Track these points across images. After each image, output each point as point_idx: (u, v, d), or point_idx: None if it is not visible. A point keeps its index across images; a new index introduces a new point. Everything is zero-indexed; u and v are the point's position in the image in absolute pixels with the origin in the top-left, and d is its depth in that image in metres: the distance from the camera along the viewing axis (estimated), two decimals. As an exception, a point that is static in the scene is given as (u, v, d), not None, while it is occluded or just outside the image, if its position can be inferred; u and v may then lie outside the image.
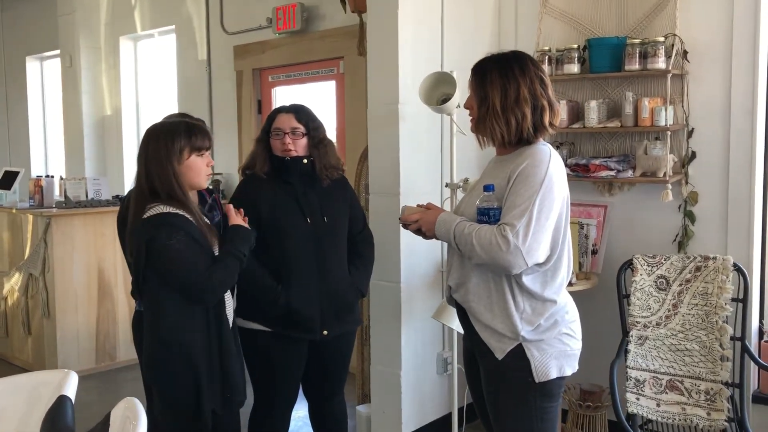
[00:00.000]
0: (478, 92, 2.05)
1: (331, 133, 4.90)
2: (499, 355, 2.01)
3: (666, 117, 3.13)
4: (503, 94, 2.00)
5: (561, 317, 2.02)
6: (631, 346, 3.07)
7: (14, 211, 4.92)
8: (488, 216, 1.96)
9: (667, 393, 3.01)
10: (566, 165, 3.44)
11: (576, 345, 2.06)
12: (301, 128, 2.69)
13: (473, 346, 2.12)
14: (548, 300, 1.99)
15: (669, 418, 2.94)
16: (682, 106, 3.24)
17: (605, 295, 3.35)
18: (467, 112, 2.15)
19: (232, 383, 2.23)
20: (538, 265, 1.96)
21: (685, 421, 2.93)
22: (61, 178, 4.96)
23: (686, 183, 3.26)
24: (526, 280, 1.96)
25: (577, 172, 3.38)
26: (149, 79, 6.54)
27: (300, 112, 2.75)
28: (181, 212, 2.15)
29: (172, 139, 2.19)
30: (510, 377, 2.01)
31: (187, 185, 2.24)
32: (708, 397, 2.95)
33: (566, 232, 2.03)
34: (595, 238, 3.43)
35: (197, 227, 2.17)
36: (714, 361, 2.97)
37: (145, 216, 2.14)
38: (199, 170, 2.24)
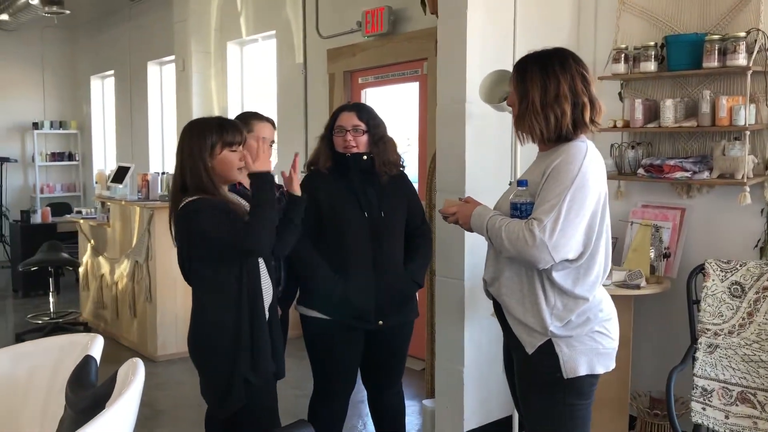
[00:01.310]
0: (519, 89, 2.07)
1: (414, 133, 5.00)
2: (530, 350, 2.02)
3: (746, 116, 2.99)
4: (543, 91, 2.01)
5: (594, 315, 2.01)
6: (699, 354, 2.95)
7: (124, 203, 5.36)
8: (520, 211, 1.98)
9: (737, 405, 2.87)
10: (640, 165, 3.36)
11: (610, 344, 2.04)
12: (362, 126, 2.80)
13: (508, 341, 2.14)
14: (580, 297, 1.98)
15: None
16: (766, 105, 3.07)
17: (678, 301, 3.23)
18: None
19: (261, 350, 2.32)
20: (570, 261, 1.95)
21: (756, 435, 2.79)
22: (163, 173, 5.34)
23: (769, 186, 3.09)
24: (557, 276, 1.96)
25: (651, 173, 3.28)
26: (253, 82, 6.89)
27: (362, 110, 2.87)
28: (209, 198, 2.27)
29: (203, 135, 2.31)
30: (539, 372, 2.02)
31: (221, 179, 2.36)
32: (783, 412, 2.79)
33: (602, 229, 2.01)
34: (669, 241, 3.31)
35: (227, 205, 2.28)
36: (791, 375, 2.81)
37: (179, 208, 2.30)
38: (231, 164, 2.34)
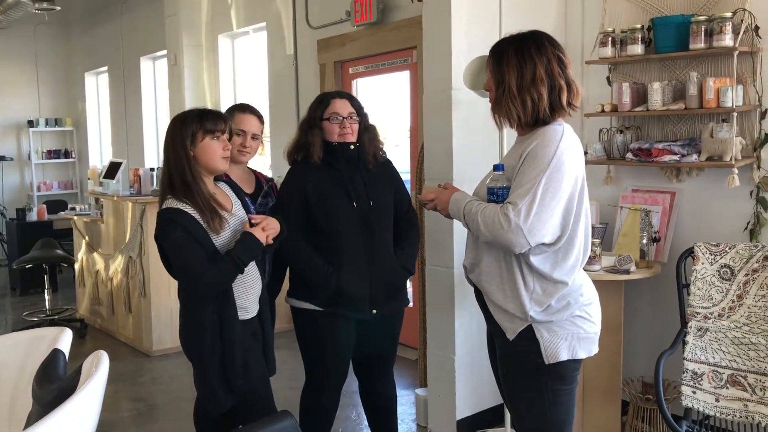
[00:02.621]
0: (495, 73, 2.05)
1: (406, 123, 4.97)
2: (511, 336, 2.01)
3: (733, 98, 2.96)
4: (519, 74, 1.99)
5: (574, 299, 1.99)
6: (690, 338, 2.93)
7: (116, 198, 5.35)
8: (496, 195, 1.96)
9: (728, 388, 2.86)
10: (629, 149, 3.34)
11: (591, 328, 2.02)
12: (355, 113, 2.78)
13: (490, 327, 2.13)
14: (559, 281, 1.96)
15: (729, 415, 2.79)
16: (754, 86, 3.05)
17: (669, 285, 3.22)
18: None
19: (231, 363, 2.31)
20: (547, 245, 1.94)
21: (747, 418, 2.77)
22: (152, 169, 5.33)
23: (758, 167, 3.07)
24: (535, 260, 1.95)
25: (639, 157, 3.26)
26: (245, 75, 6.87)
27: (353, 98, 2.85)
28: (185, 208, 2.25)
29: (184, 125, 2.31)
30: (521, 358, 2.01)
31: (204, 169, 2.34)
32: (773, 394, 2.77)
33: (581, 212, 1.99)
34: (659, 225, 3.29)
35: (200, 222, 2.26)
36: (782, 357, 2.79)
37: (160, 208, 2.30)
38: (214, 153, 2.32)
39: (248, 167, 2.98)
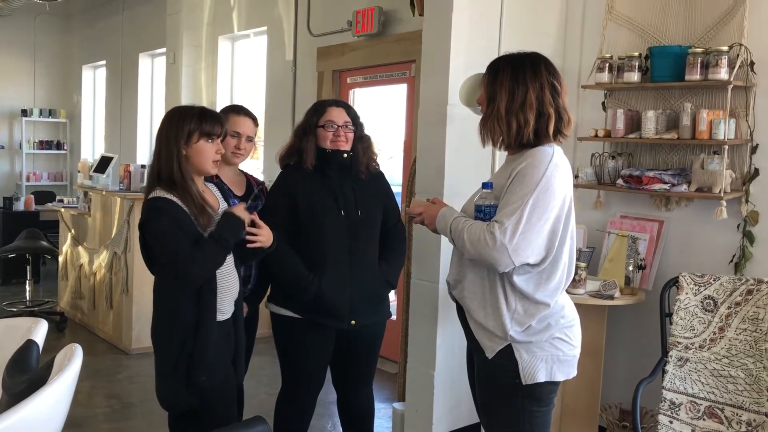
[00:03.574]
0: (488, 90, 2.06)
1: (400, 134, 4.98)
2: (489, 354, 2.00)
3: (725, 130, 2.98)
4: (510, 96, 1.99)
5: (555, 321, 1.99)
6: (669, 367, 2.93)
7: (105, 193, 5.32)
8: (484, 213, 1.96)
9: (704, 420, 2.86)
10: (620, 176, 3.35)
11: (571, 351, 2.02)
12: (350, 123, 2.78)
13: (470, 344, 2.12)
14: (541, 302, 1.96)
15: (704, 446, 2.79)
16: (747, 120, 3.07)
17: (651, 313, 3.22)
18: None
19: (197, 360, 2.28)
20: (531, 266, 1.93)
21: (722, 451, 2.77)
22: (143, 166, 5.30)
23: (746, 201, 3.09)
24: (518, 280, 1.94)
25: (630, 184, 3.27)
26: (243, 78, 6.86)
27: (349, 107, 2.86)
28: (173, 198, 2.23)
29: (182, 121, 2.28)
30: (498, 377, 2.00)
31: (194, 169, 2.32)
32: (749, 428, 2.77)
33: (567, 235, 1.99)
34: (646, 252, 3.30)
35: (188, 213, 2.24)
36: (760, 391, 2.79)
37: (148, 198, 2.27)
38: (207, 155, 2.30)
39: (240, 169, 2.98)
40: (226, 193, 2.61)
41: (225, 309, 2.39)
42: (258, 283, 2.92)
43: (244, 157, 2.88)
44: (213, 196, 2.44)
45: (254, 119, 2.91)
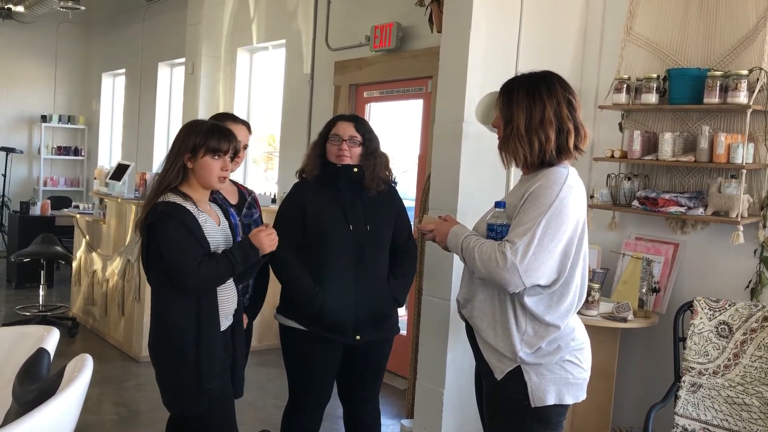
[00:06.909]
0: (504, 112, 2.05)
1: (416, 150, 4.98)
2: (498, 376, 1.98)
3: (743, 155, 2.95)
4: (528, 115, 1.99)
5: (565, 343, 1.96)
6: (682, 393, 2.89)
7: (120, 200, 5.35)
8: (496, 232, 1.95)
9: (717, 447, 2.81)
10: (635, 197, 3.32)
11: (581, 374, 1.99)
12: (359, 137, 2.78)
13: (479, 365, 2.10)
14: (551, 324, 1.94)
15: (716, 475, 2.74)
16: (765, 145, 3.04)
17: (665, 337, 3.18)
18: None
19: (207, 369, 2.29)
20: (542, 287, 1.92)
21: (734, 480, 2.72)
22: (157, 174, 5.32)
23: (764, 227, 3.05)
24: (529, 301, 1.93)
25: (645, 205, 3.24)
26: (261, 90, 6.90)
27: (359, 122, 2.85)
28: (185, 204, 2.25)
29: (190, 136, 2.30)
30: (507, 399, 1.98)
31: (200, 184, 2.33)
32: (763, 457, 2.73)
33: (579, 257, 1.97)
34: (660, 275, 3.27)
35: (197, 220, 2.25)
36: (774, 420, 2.75)
37: (155, 201, 2.27)
38: (211, 171, 2.30)
39: (230, 179, 2.98)
40: (225, 208, 2.60)
41: (222, 321, 2.39)
42: (255, 295, 2.93)
43: (238, 165, 2.89)
44: (215, 214, 2.45)
45: (248, 126, 2.94)
